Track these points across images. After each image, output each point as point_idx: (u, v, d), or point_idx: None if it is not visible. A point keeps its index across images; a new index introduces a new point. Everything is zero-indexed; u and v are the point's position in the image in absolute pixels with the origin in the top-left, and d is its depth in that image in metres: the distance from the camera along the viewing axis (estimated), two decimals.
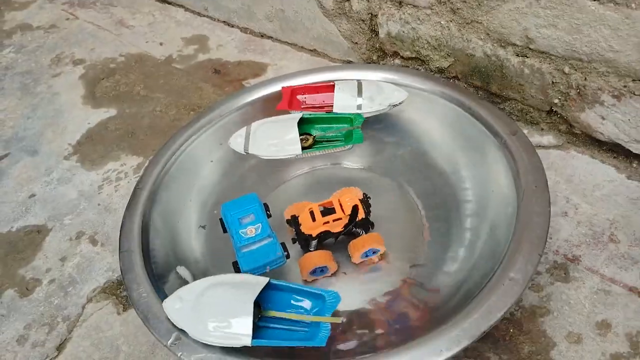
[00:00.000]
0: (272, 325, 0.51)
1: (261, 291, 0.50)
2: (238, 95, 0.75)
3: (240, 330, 0.46)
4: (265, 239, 0.55)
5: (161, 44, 1.12)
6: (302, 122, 0.66)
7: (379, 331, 0.55)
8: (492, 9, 0.69)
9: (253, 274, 0.54)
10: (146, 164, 0.68)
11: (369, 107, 0.66)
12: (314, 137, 0.66)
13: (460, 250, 0.58)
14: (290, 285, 0.52)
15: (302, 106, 0.70)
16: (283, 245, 0.55)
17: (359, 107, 0.66)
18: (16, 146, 0.93)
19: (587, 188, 0.67)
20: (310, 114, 0.67)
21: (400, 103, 0.65)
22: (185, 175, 0.67)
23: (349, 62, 0.95)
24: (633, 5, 0.56)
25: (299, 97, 0.71)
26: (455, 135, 0.66)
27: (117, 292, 0.66)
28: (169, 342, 0.48)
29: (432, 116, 0.68)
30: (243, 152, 0.65)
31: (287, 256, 0.55)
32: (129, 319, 0.63)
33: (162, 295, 0.52)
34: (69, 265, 0.71)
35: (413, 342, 0.45)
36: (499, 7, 0.68)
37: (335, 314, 0.51)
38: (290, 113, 0.68)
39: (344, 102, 0.67)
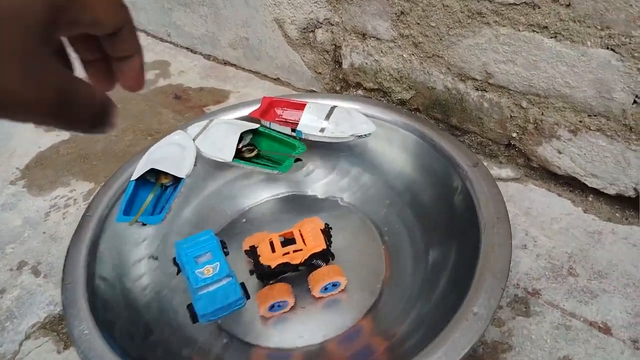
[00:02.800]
0: None
1: None
2: (198, 120, 0.72)
3: None
4: (224, 279, 0.52)
5: None
6: (256, 134, 0.67)
7: None
8: (453, 43, 0.70)
9: (209, 319, 0.51)
10: (97, 190, 0.65)
11: (331, 132, 0.65)
12: (259, 151, 0.67)
13: (423, 283, 0.57)
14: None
15: (277, 119, 0.69)
16: (242, 285, 0.53)
17: (322, 130, 0.65)
18: None
19: (545, 221, 0.68)
20: (266, 130, 0.68)
21: (366, 135, 0.65)
22: None
23: (312, 91, 0.94)
24: (589, 42, 0.58)
25: (278, 110, 0.70)
26: (418, 166, 0.66)
27: (59, 328, 0.62)
28: None
29: (395, 147, 0.68)
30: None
31: (247, 297, 0.53)
32: (70, 358, 0.58)
33: (106, 333, 0.48)
34: (7, 298, 0.66)
35: None
36: (460, 42, 0.69)
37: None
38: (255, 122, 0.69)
39: (309, 122, 0.66)
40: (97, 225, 0.59)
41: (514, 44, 0.64)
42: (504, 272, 0.49)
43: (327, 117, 0.66)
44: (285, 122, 0.69)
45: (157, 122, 0.93)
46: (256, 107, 0.70)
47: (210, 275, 0.52)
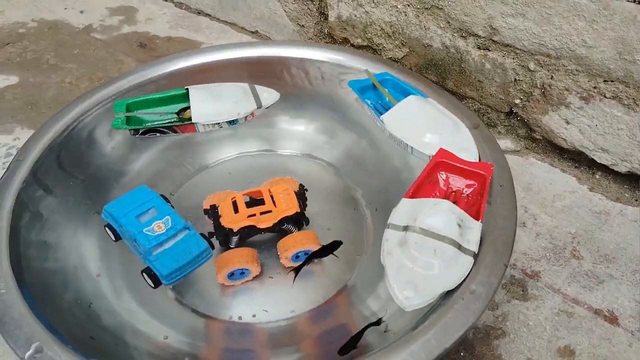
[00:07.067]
0: None
1: None
2: (153, 65, 0.63)
3: None
4: (182, 232, 0.44)
5: (82, 12, 0.98)
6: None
7: (309, 350, 0.45)
8: None
9: (174, 279, 0.43)
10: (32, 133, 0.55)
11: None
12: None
13: None
14: None
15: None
16: (203, 236, 0.45)
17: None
18: None
19: (547, 198, 0.61)
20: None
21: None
22: (79, 153, 0.55)
23: None
24: None
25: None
26: None
27: None
28: (27, 354, 0.35)
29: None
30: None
31: (212, 247, 0.45)
32: None
33: (27, 292, 0.39)
34: None
35: None
36: None
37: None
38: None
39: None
40: (29, 174, 0.49)
41: None
42: (508, 246, 0.42)
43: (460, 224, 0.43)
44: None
45: (117, 71, 0.83)
46: None
47: (164, 231, 0.43)
